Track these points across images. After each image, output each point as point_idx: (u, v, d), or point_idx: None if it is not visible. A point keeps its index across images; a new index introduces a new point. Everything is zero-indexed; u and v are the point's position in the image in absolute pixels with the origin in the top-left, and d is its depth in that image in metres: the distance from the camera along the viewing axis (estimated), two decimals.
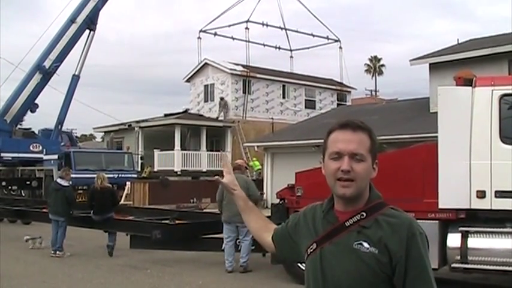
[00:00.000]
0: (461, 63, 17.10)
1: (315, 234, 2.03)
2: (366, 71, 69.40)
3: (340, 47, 38.06)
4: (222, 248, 10.56)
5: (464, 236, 7.49)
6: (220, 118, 31.60)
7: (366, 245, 1.90)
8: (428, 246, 1.96)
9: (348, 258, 1.91)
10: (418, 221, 2.01)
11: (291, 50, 38.71)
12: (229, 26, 35.39)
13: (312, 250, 2.01)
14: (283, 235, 2.27)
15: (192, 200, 24.50)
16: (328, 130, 2.05)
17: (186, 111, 32.99)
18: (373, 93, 59.44)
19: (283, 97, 34.32)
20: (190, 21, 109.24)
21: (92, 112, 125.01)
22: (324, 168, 2.04)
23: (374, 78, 68.22)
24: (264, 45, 37.50)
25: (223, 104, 31.77)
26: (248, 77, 32.46)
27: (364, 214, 1.95)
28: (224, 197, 9.85)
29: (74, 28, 26.86)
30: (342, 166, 1.93)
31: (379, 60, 69.26)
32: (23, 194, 24.58)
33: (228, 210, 9.74)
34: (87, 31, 27.58)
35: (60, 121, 27.77)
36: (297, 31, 37.80)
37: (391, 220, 1.93)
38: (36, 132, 28.69)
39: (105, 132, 36.46)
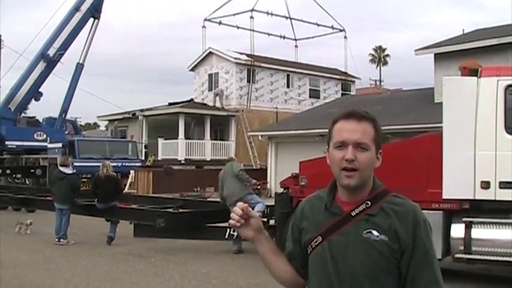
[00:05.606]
0: (466, 54, 17.01)
1: (318, 226, 2.03)
2: (371, 60, 69.26)
3: (345, 37, 38.01)
4: (226, 236, 10.60)
5: (468, 227, 7.50)
6: (217, 105, 31.59)
7: (375, 233, 1.93)
8: (431, 233, 2.00)
9: (359, 247, 1.93)
10: (422, 211, 2.02)
11: (295, 40, 38.62)
12: (234, 15, 35.33)
13: (317, 243, 2.01)
14: (296, 247, 2.13)
15: (195, 189, 24.54)
16: (333, 120, 2.07)
17: (191, 100, 32.95)
18: (378, 83, 59.30)
19: (288, 86, 34.22)
20: (195, 10, 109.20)
21: (96, 101, 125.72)
22: (328, 157, 2.05)
23: (379, 68, 68.11)
24: (269, 34, 37.39)
25: (218, 92, 31.83)
26: (252, 66, 32.35)
27: (369, 203, 1.98)
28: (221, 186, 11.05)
29: (78, 16, 26.88)
30: (346, 155, 1.95)
31: (384, 50, 69.11)
32: (27, 182, 24.64)
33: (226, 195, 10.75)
34: (92, 19, 27.60)
35: (65, 109, 27.88)
36: (301, 20, 37.69)
37: (396, 208, 1.97)
38: (41, 120, 28.76)
39: (109, 120, 36.48)
